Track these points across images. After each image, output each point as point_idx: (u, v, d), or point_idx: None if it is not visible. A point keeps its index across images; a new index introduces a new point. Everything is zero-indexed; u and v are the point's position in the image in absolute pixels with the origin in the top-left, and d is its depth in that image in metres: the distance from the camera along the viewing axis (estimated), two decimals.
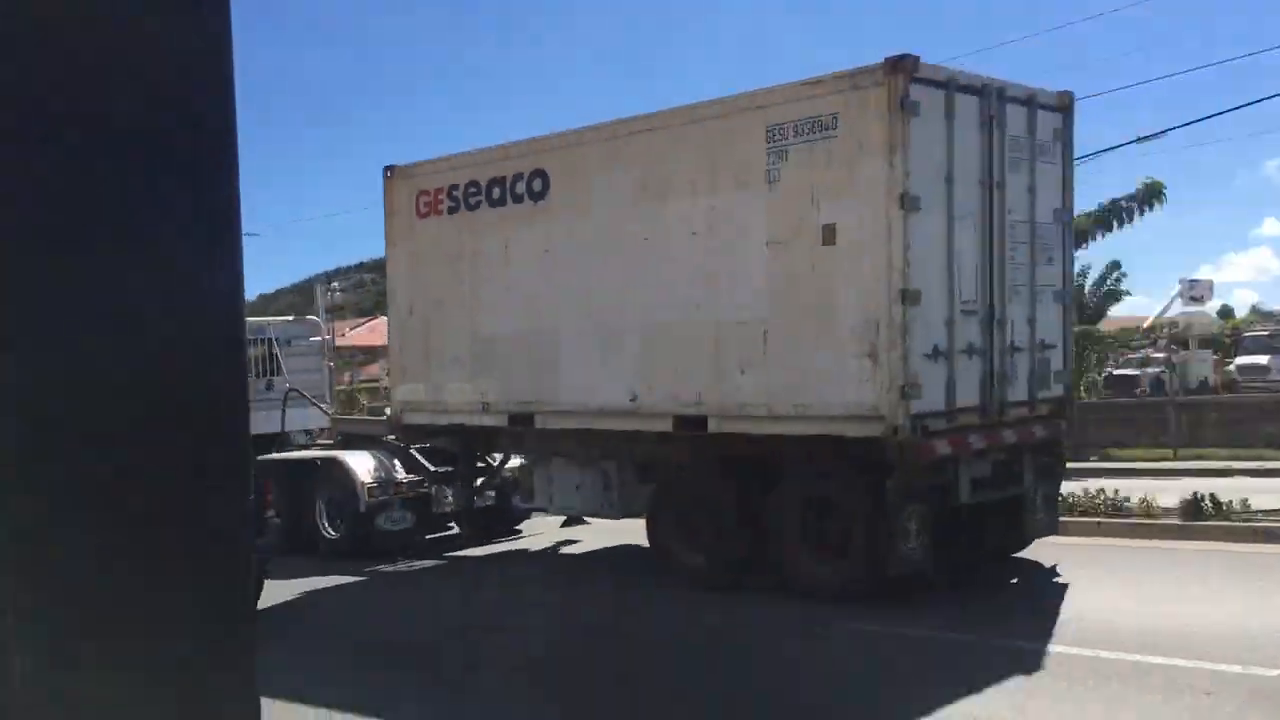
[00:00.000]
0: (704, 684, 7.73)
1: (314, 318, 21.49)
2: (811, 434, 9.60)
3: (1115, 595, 9.62)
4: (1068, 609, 9.18)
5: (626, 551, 12.66)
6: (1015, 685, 7.17)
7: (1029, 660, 7.63)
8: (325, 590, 11.30)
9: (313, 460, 13.92)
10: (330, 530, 13.29)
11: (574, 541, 13.60)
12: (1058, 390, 10.84)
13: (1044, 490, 10.63)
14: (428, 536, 13.55)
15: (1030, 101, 10.30)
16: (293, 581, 11.25)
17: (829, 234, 9.37)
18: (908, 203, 8.94)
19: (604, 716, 7.24)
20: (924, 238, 9.16)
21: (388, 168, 13.02)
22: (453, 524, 13.92)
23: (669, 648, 8.76)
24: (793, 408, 9.66)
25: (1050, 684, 7.18)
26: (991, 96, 9.89)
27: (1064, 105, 10.70)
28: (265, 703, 1.78)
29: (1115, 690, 7.00)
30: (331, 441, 15.06)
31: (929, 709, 6.72)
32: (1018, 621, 8.88)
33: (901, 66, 8.99)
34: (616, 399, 10.85)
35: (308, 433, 16.87)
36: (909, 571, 9.34)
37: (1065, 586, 10.09)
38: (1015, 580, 10.65)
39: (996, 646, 8.04)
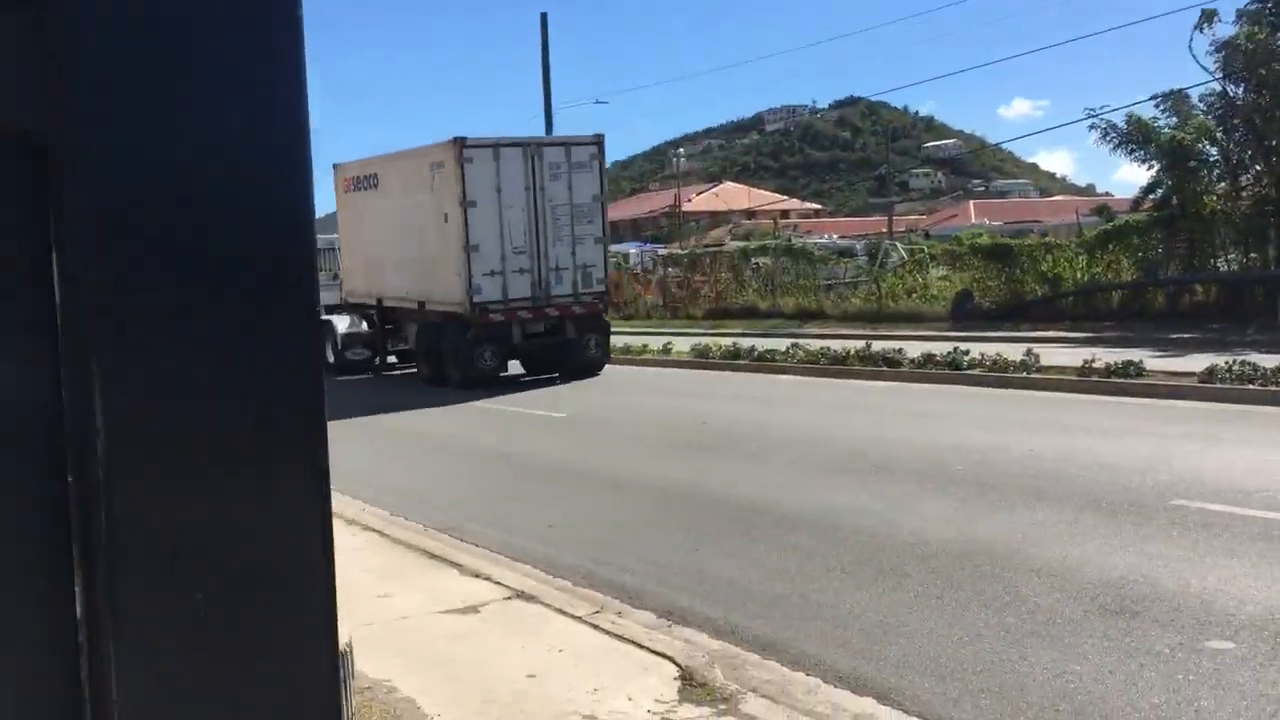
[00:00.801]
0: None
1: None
2: (450, 310, 20.94)
3: None
4: None
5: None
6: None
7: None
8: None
9: None
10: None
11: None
12: (600, 289, 21.41)
13: (595, 340, 21.31)
14: (376, 362, 25.94)
15: (567, 143, 20.88)
16: None
17: (444, 217, 20.60)
18: (465, 203, 20.00)
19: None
20: (481, 218, 20.16)
21: (334, 165, 25.18)
22: (393, 358, 26.17)
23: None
24: (445, 298, 21.04)
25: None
26: (531, 146, 20.61)
27: (597, 141, 21.06)
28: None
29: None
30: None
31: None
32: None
33: (458, 142, 19.91)
34: (402, 293, 22.66)
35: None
36: (484, 376, 20.50)
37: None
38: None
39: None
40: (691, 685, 5.58)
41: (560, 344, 21.22)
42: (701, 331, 31.13)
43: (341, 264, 25.87)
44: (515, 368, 21.52)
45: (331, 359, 25.10)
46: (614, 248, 63.55)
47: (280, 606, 1.39)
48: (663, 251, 50.25)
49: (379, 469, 12.70)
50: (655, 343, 26.13)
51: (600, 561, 8.35)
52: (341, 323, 25.46)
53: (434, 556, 8.31)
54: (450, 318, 21.04)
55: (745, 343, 23.77)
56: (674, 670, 5.75)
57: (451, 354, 21.04)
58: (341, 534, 9.09)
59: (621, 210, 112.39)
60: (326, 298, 25.68)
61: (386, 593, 7.38)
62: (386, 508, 10.60)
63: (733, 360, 22.46)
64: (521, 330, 20.84)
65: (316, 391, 1.41)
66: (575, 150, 21.06)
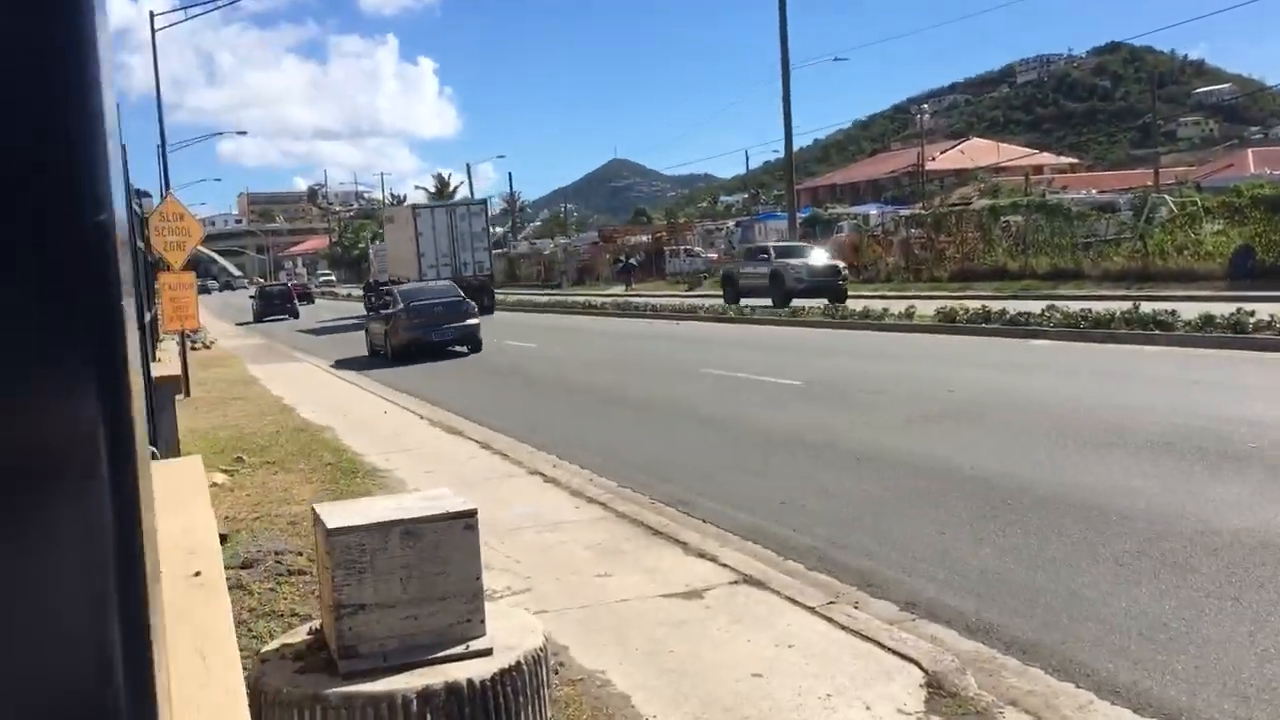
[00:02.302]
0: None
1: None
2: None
3: None
4: None
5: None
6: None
7: None
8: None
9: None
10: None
11: None
12: (485, 272, 42.41)
13: (484, 300, 36.05)
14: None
15: (467, 204, 46.73)
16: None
17: (413, 240, 41.80)
18: (419, 236, 41.32)
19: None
20: (425, 244, 41.32)
21: (384, 215, 48.45)
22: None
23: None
24: (410, 277, 39.15)
25: None
26: (448, 207, 45.63)
27: (482, 203, 48.52)
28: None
29: None
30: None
31: None
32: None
33: (413, 206, 46.95)
34: (397, 276, 41.30)
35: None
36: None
37: None
38: None
39: None
40: (940, 695, 4.87)
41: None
42: (946, 294, 29.68)
43: (382, 261, 49.75)
44: None
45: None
46: (854, 209, 61.98)
47: None
48: (905, 212, 48.42)
49: (584, 431, 12.45)
50: (896, 306, 24.99)
51: (836, 543, 7.68)
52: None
53: (657, 533, 7.86)
54: None
55: (995, 305, 22.36)
56: (919, 675, 5.05)
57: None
58: (565, 507, 8.79)
59: (860, 171, 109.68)
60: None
61: (606, 572, 6.98)
62: (613, 477, 10.28)
63: (982, 324, 21.10)
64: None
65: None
66: (472, 208, 44.91)
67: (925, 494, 8.79)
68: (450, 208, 44.68)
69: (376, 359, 26.02)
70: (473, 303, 26.63)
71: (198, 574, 2.65)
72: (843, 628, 5.72)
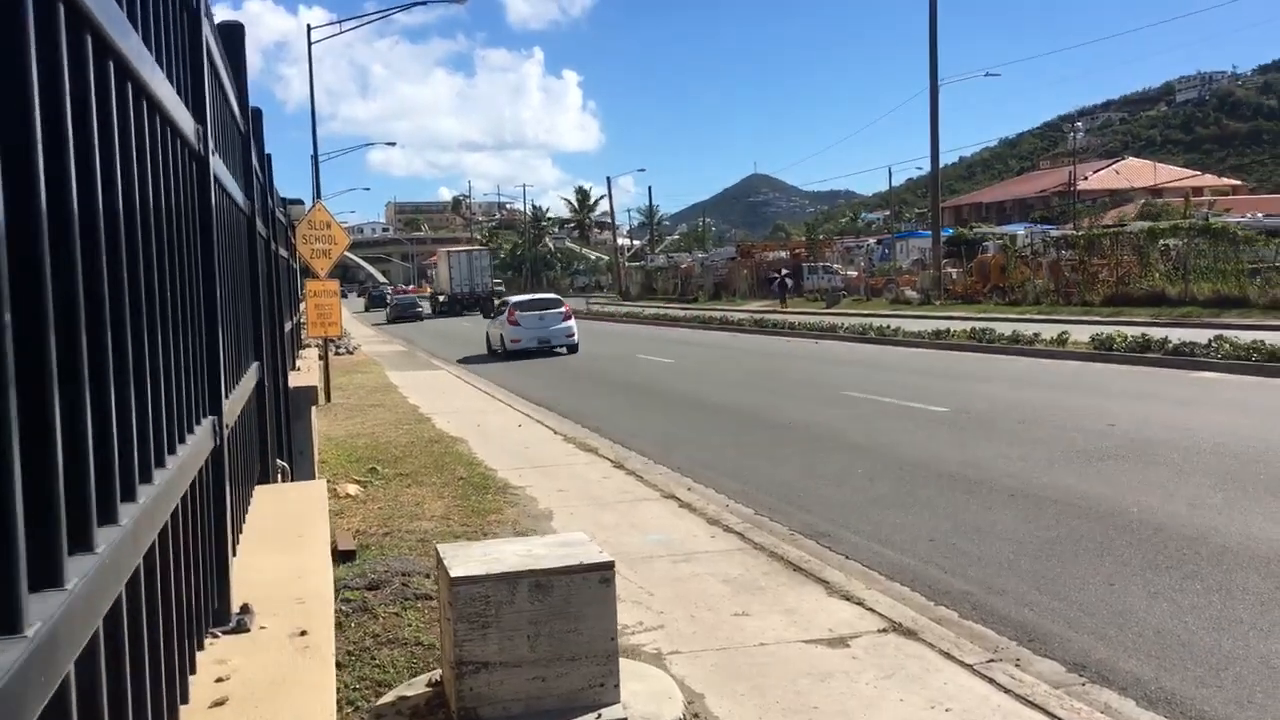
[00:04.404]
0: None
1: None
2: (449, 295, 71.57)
3: None
4: None
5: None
6: None
7: None
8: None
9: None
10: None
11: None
12: (486, 290, 68.96)
13: (486, 306, 57.42)
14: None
15: (477, 249, 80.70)
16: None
17: (447, 269, 72.33)
18: (451, 268, 71.38)
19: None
20: (454, 272, 71.03)
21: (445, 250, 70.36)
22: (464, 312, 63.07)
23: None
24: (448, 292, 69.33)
25: None
26: (469, 252, 76.44)
27: (486, 248, 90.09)
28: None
29: None
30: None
31: None
32: None
33: (447, 250, 78.61)
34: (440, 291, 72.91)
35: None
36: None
37: None
38: None
39: None
40: None
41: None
42: (1099, 319, 28.36)
43: (435, 282, 79.45)
44: None
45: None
46: (1000, 228, 60.18)
47: None
48: (1055, 232, 46.69)
49: (720, 453, 12.02)
50: (1047, 331, 23.90)
51: (992, 589, 7.11)
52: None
53: (797, 569, 7.41)
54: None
55: (1155, 333, 21.15)
56: None
57: (449, 307, 68.97)
58: (700, 535, 8.41)
59: (1007, 190, 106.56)
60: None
61: (743, 610, 6.57)
62: (750, 504, 9.86)
63: (1140, 353, 19.96)
64: (465, 302, 67.87)
65: None
66: (479, 251, 77.07)
67: (1088, 538, 8.13)
68: (468, 252, 74.71)
69: (495, 357, 30.78)
70: (570, 314, 31.02)
71: (304, 633, 2.36)
72: (1005, 690, 5.20)
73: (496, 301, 43.66)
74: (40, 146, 1.11)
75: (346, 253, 18.37)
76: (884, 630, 6.11)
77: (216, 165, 2.80)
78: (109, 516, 1.29)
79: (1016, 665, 5.64)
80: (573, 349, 29.78)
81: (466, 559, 3.08)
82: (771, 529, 8.84)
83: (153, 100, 1.79)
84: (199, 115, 2.51)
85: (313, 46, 38.75)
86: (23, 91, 1.07)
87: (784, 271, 57.00)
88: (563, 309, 30.55)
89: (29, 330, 1.07)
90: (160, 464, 1.71)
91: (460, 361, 30.17)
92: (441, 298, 71.21)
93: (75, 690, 1.06)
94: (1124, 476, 10.09)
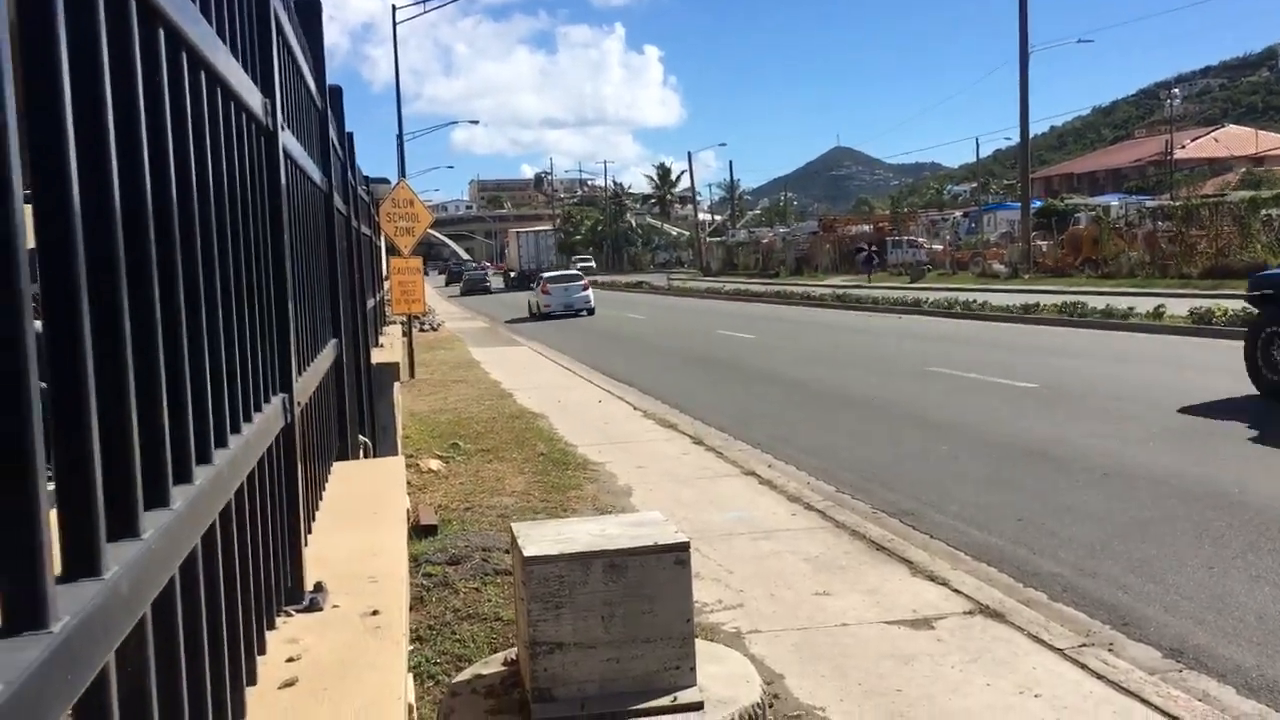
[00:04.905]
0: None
1: None
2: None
3: None
4: None
5: None
6: None
7: None
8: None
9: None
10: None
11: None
12: (552, 265, 66.62)
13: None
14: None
15: (543, 231, 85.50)
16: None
17: (516, 248, 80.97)
18: (519, 245, 78.08)
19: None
20: (522, 251, 76.81)
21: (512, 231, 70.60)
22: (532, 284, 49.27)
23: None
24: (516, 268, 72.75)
25: None
26: (534, 233, 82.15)
27: (554, 229, 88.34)
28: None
29: None
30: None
31: None
32: None
33: (515, 231, 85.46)
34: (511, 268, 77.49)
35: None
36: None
37: None
38: None
39: None
40: None
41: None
42: (1197, 292, 27.48)
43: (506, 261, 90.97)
44: None
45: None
46: (1092, 199, 58.73)
47: None
48: (1150, 203, 45.35)
49: (801, 429, 11.86)
50: (1142, 305, 23.22)
51: (1083, 570, 6.91)
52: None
53: (880, 548, 7.28)
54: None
55: None
56: None
57: (518, 281, 69.11)
58: (780, 512, 8.32)
59: (1100, 160, 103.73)
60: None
61: (824, 589, 6.46)
62: (831, 481, 9.72)
63: (1242, 327, 19.25)
64: (533, 277, 52.24)
65: None
66: (544, 233, 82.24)
67: (1185, 519, 7.85)
68: (535, 233, 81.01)
69: (533, 318, 39.30)
70: (589, 285, 41.01)
71: (375, 613, 2.33)
72: (1098, 676, 5.03)
73: (512, 274, 68.15)
74: (111, 112, 1.14)
75: (430, 231, 18.51)
76: (970, 612, 5.96)
77: (287, 141, 2.78)
78: (160, 499, 1.26)
79: (1110, 650, 5.46)
80: (590, 311, 38.43)
81: (540, 538, 3.03)
82: (853, 507, 8.71)
83: (212, 72, 1.75)
84: (266, 89, 2.47)
85: (397, 27, 39.12)
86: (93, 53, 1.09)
87: (871, 245, 56.05)
88: (582, 282, 40.22)
89: (104, 308, 1.09)
90: (221, 444, 1.68)
91: (508, 322, 37.91)
92: (512, 274, 77.39)
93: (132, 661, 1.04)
94: (1223, 455, 9.74)
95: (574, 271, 45.97)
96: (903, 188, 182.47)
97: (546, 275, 42.79)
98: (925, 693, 4.87)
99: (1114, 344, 19.56)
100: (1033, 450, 10.49)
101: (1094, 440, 10.72)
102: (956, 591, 6.32)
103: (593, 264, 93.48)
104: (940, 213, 79.86)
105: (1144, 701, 4.73)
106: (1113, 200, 55.86)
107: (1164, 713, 4.62)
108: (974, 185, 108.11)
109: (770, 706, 4.52)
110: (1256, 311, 13.34)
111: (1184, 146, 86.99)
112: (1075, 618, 6.06)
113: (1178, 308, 22.31)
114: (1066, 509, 8.34)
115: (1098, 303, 24.62)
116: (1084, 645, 5.46)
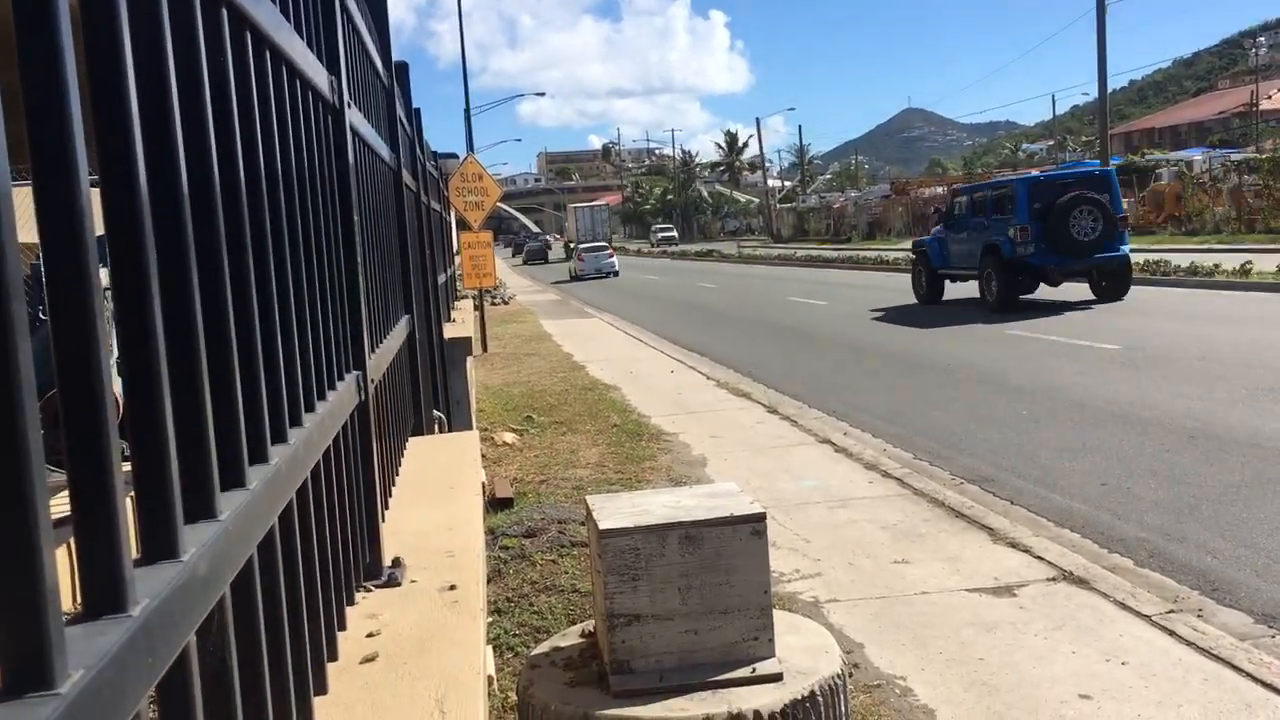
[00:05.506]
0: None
1: None
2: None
3: None
4: None
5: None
6: None
7: None
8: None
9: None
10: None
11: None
12: (603, 241, 61.29)
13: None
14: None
15: (598, 207, 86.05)
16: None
17: (573, 221, 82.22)
18: (578, 222, 79.03)
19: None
20: (580, 225, 77.39)
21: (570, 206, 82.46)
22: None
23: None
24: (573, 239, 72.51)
25: None
26: (590, 207, 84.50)
27: (607, 207, 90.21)
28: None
29: None
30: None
31: None
32: None
33: (573, 207, 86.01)
34: (569, 238, 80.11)
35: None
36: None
37: None
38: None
39: None
40: None
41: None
42: None
43: (566, 233, 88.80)
44: None
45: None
46: (1174, 155, 57.22)
47: None
48: (1236, 157, 43.98)
49: (876, 396, 11.71)
50: (1229, 261, 22.55)
51: (1170, 535, 6.75)
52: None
53: (959, 515, 7.18)
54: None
55: None
56: None
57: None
58: (857, 480, 8.25)
59: (1182, 113, 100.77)
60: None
61: (903, 557, 6.40)
62: (908, 448, 9.61)
63: None
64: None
65: None
66: (599, 208, 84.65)
67: (1277, 481, 7.63)
68: (591, 207, 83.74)
69: (572, 280, 48.97)
70: (613, 253, 52.69)
71: (453, 587, 2.34)
72: (1187, 643, 4.91)
73: (571, 245, 71.34)
74: (176, 95, 1.14)
75: (500, 204, 18.61)
76: (1053, 579, 5.86)
77: (353, 117, 2.78)
78: (237, 479, 1.27)
79: (1199, 616, 5.33)
80: (615, 273, 49.23)
81: (615, 511, 3.03)
82: (931, 474, 8.60)
83: (277, 51, 1.75)
84: (333, 67, 2.48)
85: (462, 2, 39.22)
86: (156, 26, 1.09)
87: (947, 208, 55.00)
88: (608, 251, 52.01)
89: (175, 291, 1.10)
90: (296, 423, 1.69)
91: (553, 283, 47.91)
92: (570, 244, 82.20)
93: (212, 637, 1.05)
94: None
95: (601, 243, 57.13)
96: (976, 148, 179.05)
97: (582, 246, 55.77)
98: (1008, 661, 4.80)
99: (1200, 303, 19.03)
100: (1116, 414, 10.26)
101: (1180, 402, 10.46)
102: (1039, 558, 6.21)
103: (674, 234, 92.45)
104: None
105: (1235, 668, 4.61)
106: (1196, 154, 54.30)
107: (1256, 679, 4.50)
108: (1050, 143, 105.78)
109: (850, 676, 4.50)
110: None
111: (1270, 97, 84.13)
112: (1162, 583, 5.92)
113: (1265, 263, 21.64)
114: (1152, 472, 8.15)
115: (1182, 260, 23.97)
116: (1172, 611, 5.34)
